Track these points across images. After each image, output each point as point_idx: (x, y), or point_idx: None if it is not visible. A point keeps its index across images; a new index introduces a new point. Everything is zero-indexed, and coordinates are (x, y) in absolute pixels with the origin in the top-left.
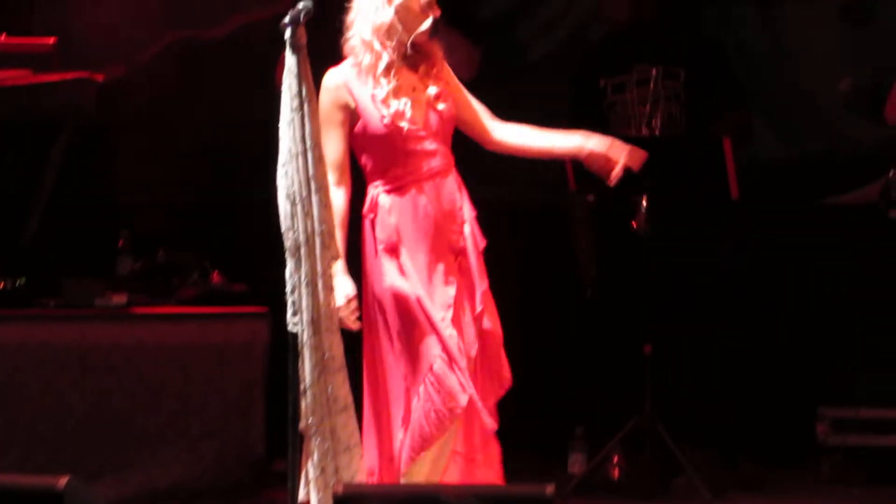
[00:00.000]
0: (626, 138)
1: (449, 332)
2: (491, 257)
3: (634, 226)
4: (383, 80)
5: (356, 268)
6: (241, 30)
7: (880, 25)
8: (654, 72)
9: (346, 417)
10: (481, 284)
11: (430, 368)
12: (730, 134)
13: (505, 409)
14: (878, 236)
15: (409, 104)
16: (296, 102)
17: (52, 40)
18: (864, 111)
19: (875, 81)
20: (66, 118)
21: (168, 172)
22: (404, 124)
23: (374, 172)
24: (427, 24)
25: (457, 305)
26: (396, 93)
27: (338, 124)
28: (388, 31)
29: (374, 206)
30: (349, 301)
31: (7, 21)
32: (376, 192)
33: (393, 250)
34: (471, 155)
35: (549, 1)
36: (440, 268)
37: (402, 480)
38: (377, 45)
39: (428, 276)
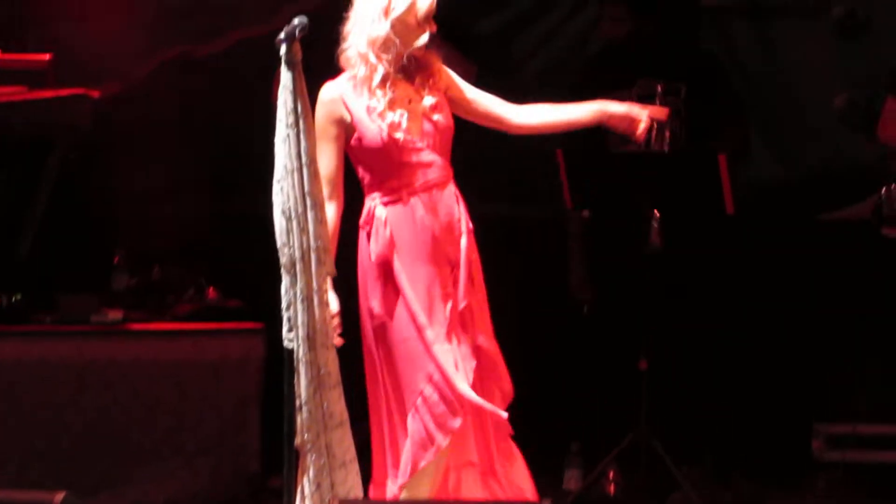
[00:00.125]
0: (625, 153)
1: (446, 346)
2: (488, 272)
3: (649, 242)
4: (379, 92)
5: (350, 280)
6: (236, 46)
7: (875, 42)
8: (659, 88)
9: (342, 433)
10: (464, 299)
11: (422, 392)
12: (728, 150)
13: None
14: (873, 252)
15: (404, 116)
16: (291, 119)
17: (47, 56)
18: (859, 127)
19: (869, 98)
20: (61, 134)
21: (164, 188)
22: (400, 136)
23: (371, 184)
24: (424, 39)
25: (454, 317)
26: (392, 105)
27: (332, 139)
28: (385, 45)
29: (371, 217)
30: (332, 317)
31: (2, 37)
32: (373, 203)
33: (389, 262)
34: (469, 170)
35: (545, 16)
36: (437, 280)
37: (402, 495)
38: (373, 58)
39: (425, 288)
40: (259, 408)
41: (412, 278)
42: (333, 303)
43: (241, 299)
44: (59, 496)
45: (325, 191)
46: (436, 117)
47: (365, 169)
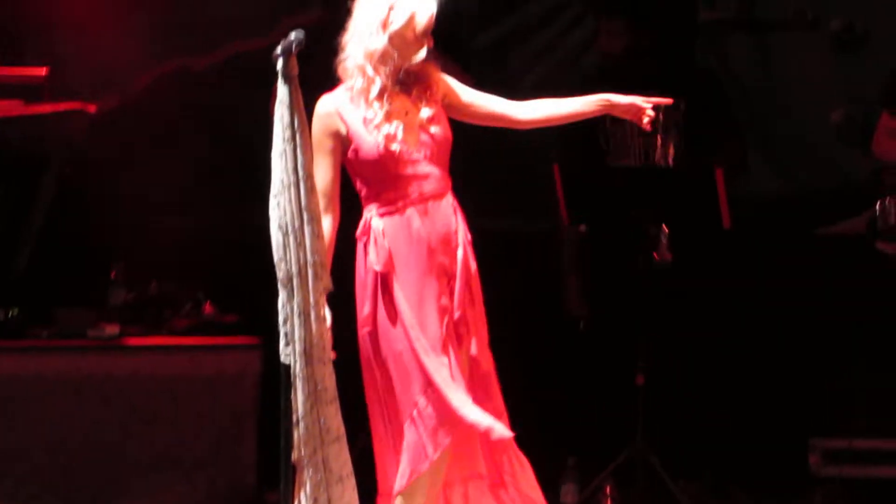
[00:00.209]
0: (623, 168)
1: (441, 359)
2: (484, 287)
3: (655, 257)
4: (376, 104)
5: (347, 291)
6: (233, 59)
7: (873, 56)
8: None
9: (339, 448)
10: (458, 309)
11: (416, 404)
12: (725, 165)
13: None
14: (869, 267)
15: (401, 128)
16: (288, 133)
17: (44, 71)
18: (856, 142)
19: (865, 113)
20: (58, 148)
21: (161, 203)
22: (396, 147)
23: (368, 196)
24: (422, 54)
25: (449, 329)
26: (388, 117)
27: (327, 152)
28: (382, 57)
29: (367, 229)
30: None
31: None
32: (369, 215)
33: (385, 274)
34: (467, 184)
35: (542, 30)
36: (433, 292)
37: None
38: (370, 70)
39: (419, 300)
40: (255, 422)
41: (407, 290)
42: (328, 318)
43: (237, 314)
44: None
45: (321, 204)
46: (433, 129)
47: (362, 181)
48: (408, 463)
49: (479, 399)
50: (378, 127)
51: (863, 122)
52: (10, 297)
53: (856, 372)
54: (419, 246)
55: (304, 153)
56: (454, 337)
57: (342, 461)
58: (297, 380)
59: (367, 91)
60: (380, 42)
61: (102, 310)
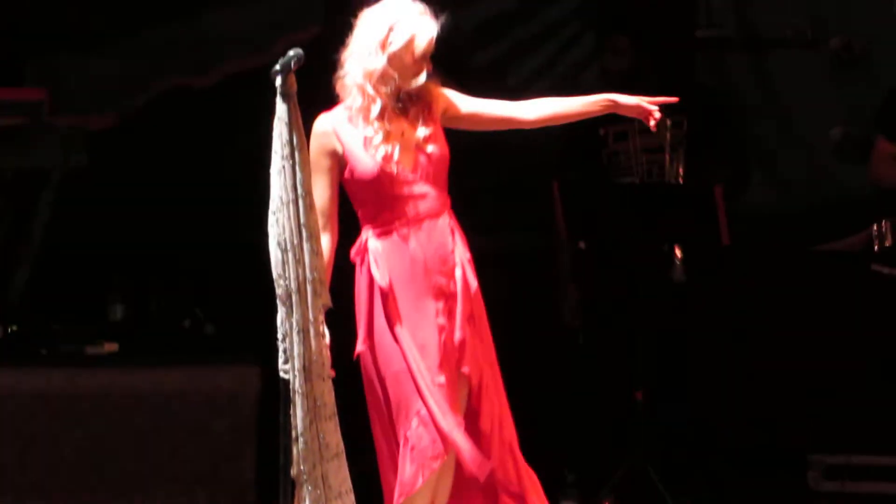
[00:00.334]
0: (622, 185)
1: (435, 381)
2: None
3: (673, 277)
4: (375, 124)
5: (346, 309)
6: (232, 77)
7: (872, 74)
8: (668, 122)
9: (338, 464)
10: (463, 329)
11: (410, 425)
12: (725, 182)
13: None
14: (868, 283)
15: (397, 148)
16: (286, 150)
17: (42, 91)
18: (854, 161)
19: (865, 131)
20: (57, 166)
21: (159, 220)
22: (393, 168)
23: (364, 217)
24: (421, 79)
25: (446, 350)
26: (385, 137)
27: (325, 171)
28: (383, 78)
29: (363, 250)
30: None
31: None
32: (366, 236)
33: (381, 295)
34: (465, 202)
35: (541, 48)
36: (429, 312)
37: None
38: (370, 90)
39: (416, 321)
40: (254, 438)
41: (404, 310)
42: (326, 334)
43: (236, 331)
44: None
45: (320, 223)
46: (429, 149)
47: (358, 201)
48: (400, 484)
49: (475, 417)
50: (376, 147)
51: (861, 141)
52: (8, 313)
53: (854, 388)
54: (415, 266)
55: (302, 170)
56: (452, 356)
57: (341, 477)
58: (297, 396)
59: (366, 110)
60: (379, 62)
61: (101, 326)
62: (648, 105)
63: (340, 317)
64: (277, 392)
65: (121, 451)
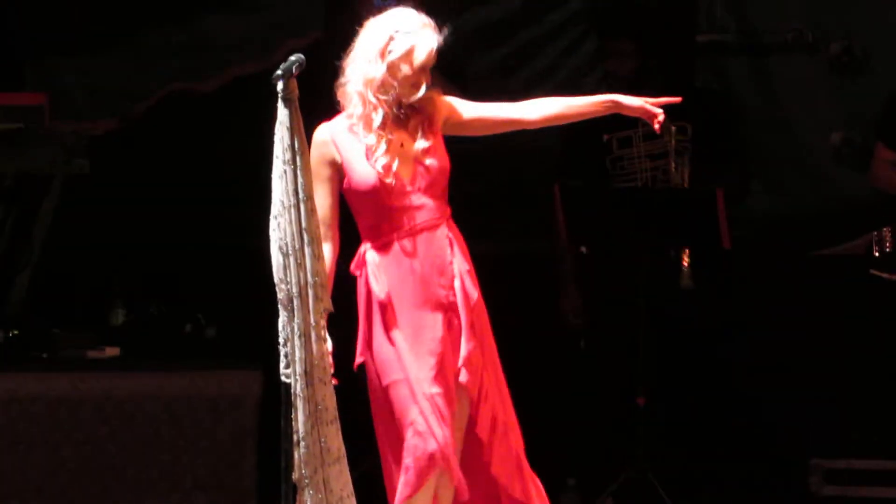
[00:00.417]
0: (623, 190)
1: (431, 391)
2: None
3: (681, 284)
4: (376, 134)
5: (348, 317)
6: (233, 82)
7: (873, 79)
8: (672, 128)
9: (340, 468)
10: (469, 343)
11: (406, 436)
12: (726, 187)
13: None
14: (868, 288)
15: (396, 159)
16: (288, 155)
17: (43, 96)
18: (854, 165)
19: (865, 136)
20: (58, 172)
21: (160, 224)
22: (390, 180)
23: (363, 228)
24: (421, 92)
25: (444, 361)
26: (386, 147)
27: (325, 180)
28: (382, 86)
29: (362, 262)
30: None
31: None
32: (364, 248)
33: (380, 307)
34: (467, 207)
35: (542, 53)
36: (426, 324)
37: None
38: (371, 98)
39: (413, 332)
40: (256, 443)
41: (401, 322)
42: (328, 339)
43: (238, 335)
44: None
45: (321, 231)
46: (428, 161)
47: (357, 212)
48: (398, 493)
49: (475, 426)
50: (376, 157)
51: (861, 145)
52: (9, 318)
53: (855, 392)
54: (413, 278)
55: (304, 175)
56: (450, 367)
57: (343, 482)
58: (298, 400)
59: (368, 118)
60: (378, 70)
61: (103, 331)
62: (652, 107)
63: (342, 322)
64: (279, 396)
65: (122, 456)
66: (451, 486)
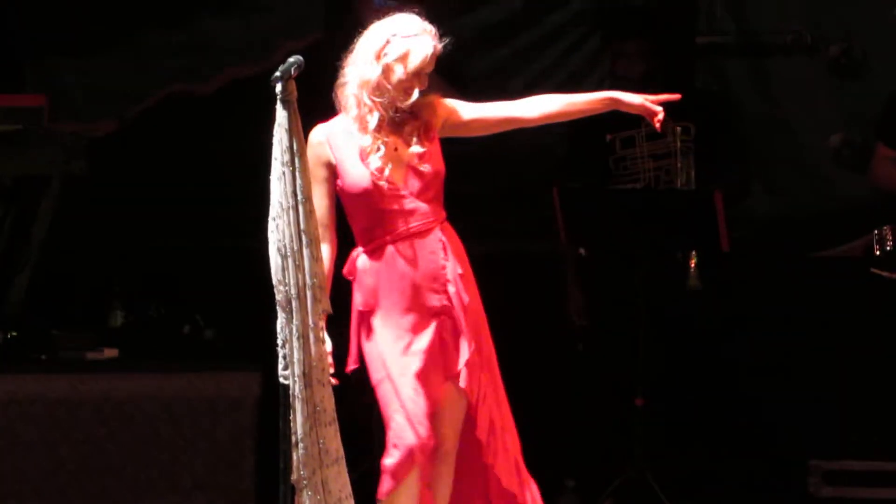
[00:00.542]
0: (621, 191)
1: (412, 391)
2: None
3: (688, 284)
4: (367, 136)
5: (348, 317)
6: (231, 84)
7: (872, 80)
8: (677, 129)
9: (338, 470)
10: (469, 346)
11: (389, 434)
12: (726, 189)
13: None
14: (868, 289)
15: (389, 163)
16: (287, 157)
17: (42, 97)
18: (853, 167)
19: (864, 137)
20: (57, 173)
21: (159, 225)
22: (383, 183)
23: (356, 231)
24: (414, 96)
25: (430, 364)
26: (379, 150)
27: (321, 181)
28: (377, 89)
29: (353, 267)
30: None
31: None
32: (356, 252)
33: (369, 311)
34: (466, 208)
35: (543, 55)
36: (415, 328)
37: None
38: (367, 100)
39: (401, 335)
40: (254, 444)
41: (387, 325)
42: (327, 340)
43: (236, 336)
44: None
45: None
46: (423, 167)
47: (351, 215)
48: (380, 489)
49: (473, 428)
50: (366, 161)
51: (860, 146)
52: (8, 319)
53: (855, 393)
54: (404, 282)
55: (302, 176)
56: (439, 370)
57: (341, 483)
58: (296, 401)
59: (363, 120)
60: (373, 72)
61: (101, 332)
62: (652, 105)
63: (341, 322)
64: (277, 398)
65: (121, 457)
66: (450, 481)
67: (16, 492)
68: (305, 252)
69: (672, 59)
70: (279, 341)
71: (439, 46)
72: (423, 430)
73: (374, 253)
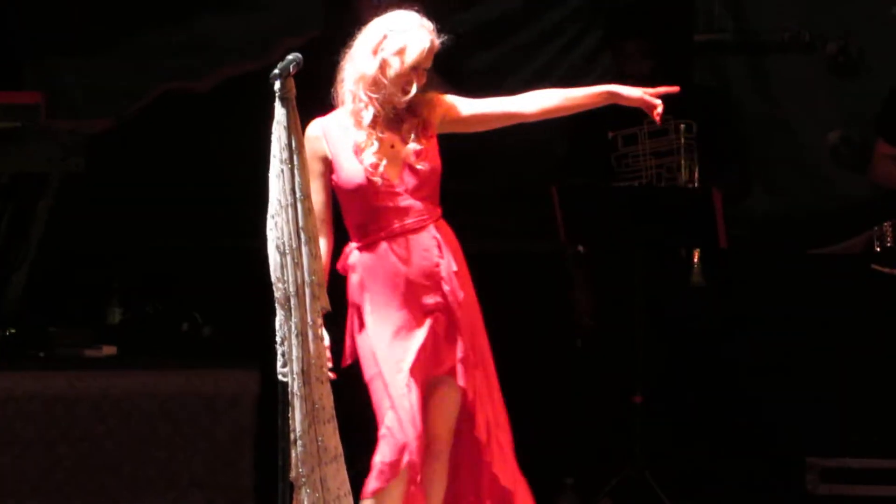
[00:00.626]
0: (620, 189)
1: (404, 388)
2: (480, 308)
3: (692, 281)
4: (366, 132)
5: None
6: (229, 81)
7: (869, 78)
8: (681, 126)
9: (337, 467)
10: (464, 343)
11: (379, 430)
12: (725, 187)
13: None
14: (867, 286)
15: (384, 159)
16: (285, 154)
17: (39, 94)
18: (852, 165)
19: (862, 135)
20: (55, 170)
21: (157, 223)
22: (378, 179)
23: (351, 227)
24: (411, 94)
25: (421, 362)
26: (374, 146)
27: (318, 175)
28: (374, 83)
29: (346, 262)
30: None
31: None
32: (350, 248)
33: (361, 306)
34: (466, 206)
35: (542, 51)
36: (407, 324)
37: None
38: (362, 94)
39: (393, 332)
40: (253, 442)
41: (379, 321)
42: (325, 337)
43: (235, 334)
44: None
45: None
46: (419, 166)
47: (345, 210)
48: (369, 485)
49: (470, 426)
50: (361, 157)
51: (859, 144)
52: (6, 317)
53: (852, 391)
54: (396, 279)
55: (301, 174)
56: (429, 367)
57: (340, 480)
58: (295, 399)
59: (358, 115)
60: (370, 67)
61: (99, 329)
62: (650, 98)
63: (339, 317)
64: (276, 395)
65: (119, 455)
66: (444, 479)
67: (14, 489)
68: (304, 249)
69: (671, 57)
70: (278, 339)
71: (437, 42)
72: (414, 427)
73: (368, 249)
